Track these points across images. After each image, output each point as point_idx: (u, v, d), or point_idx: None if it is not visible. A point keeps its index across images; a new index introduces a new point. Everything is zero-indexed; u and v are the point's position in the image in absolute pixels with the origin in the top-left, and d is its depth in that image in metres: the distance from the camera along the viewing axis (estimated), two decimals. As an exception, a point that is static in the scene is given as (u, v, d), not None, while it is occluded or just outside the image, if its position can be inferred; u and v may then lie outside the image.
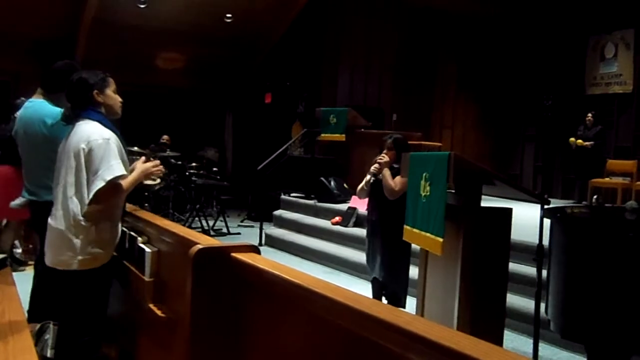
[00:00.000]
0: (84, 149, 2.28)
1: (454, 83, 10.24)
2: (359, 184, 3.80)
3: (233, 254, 1.68)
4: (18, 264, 4.83)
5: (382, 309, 1.17)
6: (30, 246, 5.12)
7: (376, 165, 3.58)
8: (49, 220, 2.40)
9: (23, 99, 4.41)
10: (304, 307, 1.38)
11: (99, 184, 2.25)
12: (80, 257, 2.32)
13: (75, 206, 2.31)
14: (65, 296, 2.40)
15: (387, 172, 3.49)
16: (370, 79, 9.68)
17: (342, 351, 1.27)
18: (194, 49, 9.55)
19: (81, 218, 2.31)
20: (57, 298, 2.46)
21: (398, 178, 3.43)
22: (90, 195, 2.26)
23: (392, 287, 3.59)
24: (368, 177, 3.64)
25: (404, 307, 3.52)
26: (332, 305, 1.24)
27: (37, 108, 2.93)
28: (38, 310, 2.96)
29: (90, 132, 2.33)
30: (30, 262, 4.85)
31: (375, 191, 3.60)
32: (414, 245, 3.23)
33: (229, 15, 8.81)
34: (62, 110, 2.86)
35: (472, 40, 10.02)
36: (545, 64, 9.49)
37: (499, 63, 10.07)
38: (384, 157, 3.54)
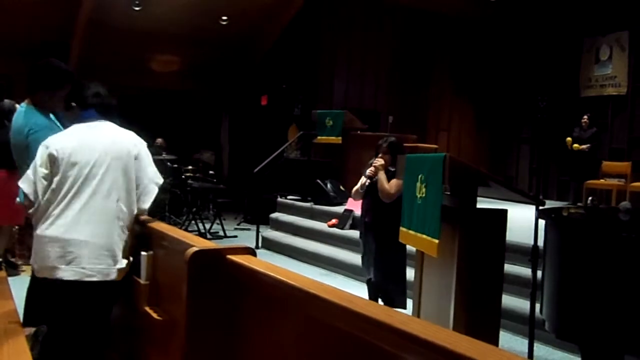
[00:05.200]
0: (132, 151, 2.27)
1: (450, 86, 10.28)
2: (355, 187, 3.81)
3: (229, 256, 1.68)
4: (13, 268, 4.81)
5: (377, 309, 1.18)
6: (25, 252, 5.10)
7: (372, 168, 3.59)
8: (66, 232, 2.15)
9: (8, 101, 4.36)
10: (299, 309, 1.39)
11: (154, 189, 2.30)
12: (119, 267, 2.23)
13: (120, 212, 2.22)
14: (81, 307, 2.24)
15: (382, 176, 3.50)
16: (366, 81, 9.71)
17: (338, 352, 1.27)
18: (189, 51, 9.55)
19: (124, 224, 2.24)
20: (66, 308, 2.25)
21: (394, 181, 3.45)
22: (150, 201, 2.29)
23: (387, 289, 3.59)
24: (363, 179, 3.65)
25: (405, 308, 3.51)
26: (328, 307, 1.24)
27: (18, 115, 2.79)
28: (33, 314, 2.95)
29: (129, 134, 2.33)
30: (24, 267, 4.82)
31: (370, 193, 3.61)
32: (409, 247, 3.24)
33: (224, 17, 8.82)
34: (37, 121, 2.76)
35: (468, 43, 10.07)
36: (540, 66, 9.54)
37: (495, 65, 10.12)
38: (380, 161, 3.56)
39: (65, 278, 2.15)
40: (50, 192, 2.17)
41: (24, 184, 2.18)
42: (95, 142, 2.23)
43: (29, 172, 2.20)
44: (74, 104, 2.35)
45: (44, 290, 2.22)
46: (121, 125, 2.40)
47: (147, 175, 2.29)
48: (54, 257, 2.15)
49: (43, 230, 2.17)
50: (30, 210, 2.21)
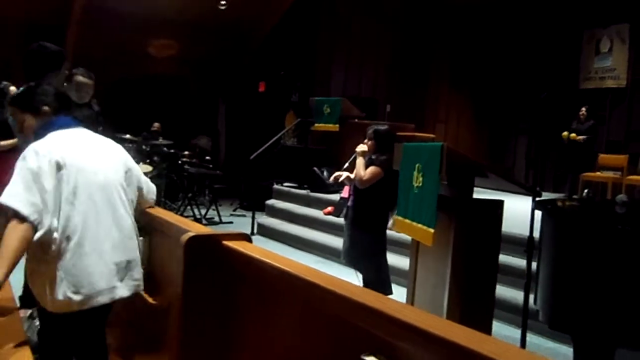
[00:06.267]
0: (128, 158, 2.17)
1: (449, 76, 10.24)
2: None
3: (224, 242, 1.68)
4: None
5: (372, 297, 1.18)
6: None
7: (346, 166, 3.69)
8: (113, 253, 1.96)
9: (5, 83, 4.34)
10: (294, 295, 1.39)
11: (153, 185, 2.30)
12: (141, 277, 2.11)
13: (134, 222, 2.10)
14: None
15: (360, 161, 3.53)
16: (365, 69, 9.65)
17: (332, 338, 1.28)
18: (186, 36, 9.46)
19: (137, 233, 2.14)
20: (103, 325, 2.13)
21: (370, 168, 3.47)
22: (154, 200, 2.29)
23: (362, 272, 3.61)
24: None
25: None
26: (322, 293, 1.25)
27: None
28: (30, 297, 2.95)
29: (109, 140, 2.18)
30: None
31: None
32: (405, 236, 3.25)
33: (222, 2, 8.73)
34: None
35: (467, 34, 10.01)
36: (540, 58, 9.49)
37: (494, 56, 10.07)
38: (362, 147, 3.59)
39: (125, 295, 2.01)
40: (69, 206, 1.85)
41: (21, 203, 1.74)
42: (98, 150, 2.04)
43: (23, 189, 1.76)
44: (46, 107, 2.02)
45: (86, 320, 1.96)
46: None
47: (141, 174, 2.23)
48: (107, 279, 1.93)
49: (81, 256, 1.87)
50: (38, 235, 1.77)
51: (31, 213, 1.74)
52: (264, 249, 1.60)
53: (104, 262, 1.92)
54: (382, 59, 9.61)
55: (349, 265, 3.76)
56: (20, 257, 1.75)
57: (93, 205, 1.91)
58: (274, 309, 1.50)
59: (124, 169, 2.10)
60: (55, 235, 1.82)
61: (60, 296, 1.83)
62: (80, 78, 3.68)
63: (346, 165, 3.71)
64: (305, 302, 1.35)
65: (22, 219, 1.73)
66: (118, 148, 2.17)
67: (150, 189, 2.28)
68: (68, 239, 1.85)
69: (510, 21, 9.77)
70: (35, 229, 1.76)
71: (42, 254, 1.84)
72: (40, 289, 1.89)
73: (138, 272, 2.09)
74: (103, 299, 1.92)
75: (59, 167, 1.85)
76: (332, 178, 3.77)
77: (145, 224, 2.34)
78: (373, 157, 3.55)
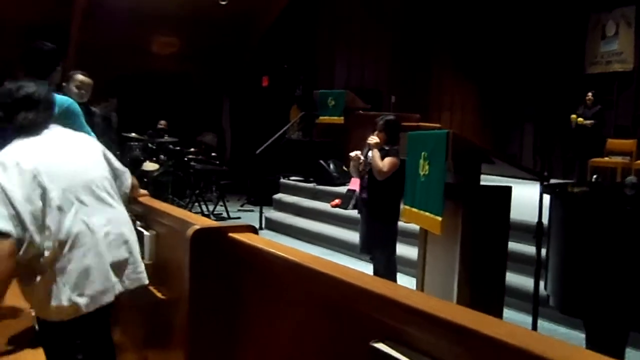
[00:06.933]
0: (102, 149, 2.12)
1: (452, 63, 10.15)
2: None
3: (230, 234, 1.67)
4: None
5: (380, 283, 1.17)
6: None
7: (354, 155, 3.66)
8: (110, 254, 1.91)
9: (6, 83, 4.35)
10: (301, 284, 1.38)
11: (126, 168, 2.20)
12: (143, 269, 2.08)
13: (127, 212, 2.06)
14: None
15: (376, 153, 3.52)
16: (368, 60, 9.60)
17: (340, 327, 1.27)
18: (189, 32, 9.46)
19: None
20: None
21: (387, 159, 3.47)
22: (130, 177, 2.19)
23: (375, 262, 3.64)
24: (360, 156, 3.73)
25: None
26: (330, 281, 1.24)
27: None
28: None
29: (77, 134, 2.15)
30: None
31: (370, 171, 3.65)
32: (412, 226, 3.23)
33: (223, -4, 8.71)
34: (66, 98, 2.83)
35: (469, 19, 9.91)
36: (545, 43, 9.39)
37: (497, 42, 9.96)
38: (374, 138, 3.58)
39: (129, 288, 1.99)
40: (57, 211, 1.78)
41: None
42: (73, 148, 1.96)
43: None
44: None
45: (91, 321, 1.91)
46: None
47: (116, 160, 2.15)
48: (109, 277, 1.90)
49: (78, 258, 1.82)
50: (23, 249, 1.70)
51: (12, 227, 1.67)
52: (269, 240, 1.59)
53: (103, 260, 1.88)
54: (383, 50, 9.55)
55: (368, 255, 3.80)
56: (9, 274, 1.68)
57: (83, 206, 1.85)
58: (281, 299, 1.49)
59: (105, 159, 2.06)
60: (48, 243, 1.76)
61: (65, 302, 1.79)
62: (80, 76, 3.70)
63: (362, 158, 3.67)
64: (312, 291, 1.34)
65: (3, 235, 1.65)
66: (91, 140, 2.14)
67: (124, 172, 2.18)
68: (62, 244, 1.79)
69: (515, 7, 9.67)
70: (20, 243, 1.69)
71: (36, 266, 1.77)
72: (42, 301, 1.82)
73: (140, 265, 2.06)
74: (108, 298, 1.90)
75: (32, 176, 1.74)
76: (352, 154, 3.71)
77: (152, 219, 2.34)
78: (386, 147, 3.55)
